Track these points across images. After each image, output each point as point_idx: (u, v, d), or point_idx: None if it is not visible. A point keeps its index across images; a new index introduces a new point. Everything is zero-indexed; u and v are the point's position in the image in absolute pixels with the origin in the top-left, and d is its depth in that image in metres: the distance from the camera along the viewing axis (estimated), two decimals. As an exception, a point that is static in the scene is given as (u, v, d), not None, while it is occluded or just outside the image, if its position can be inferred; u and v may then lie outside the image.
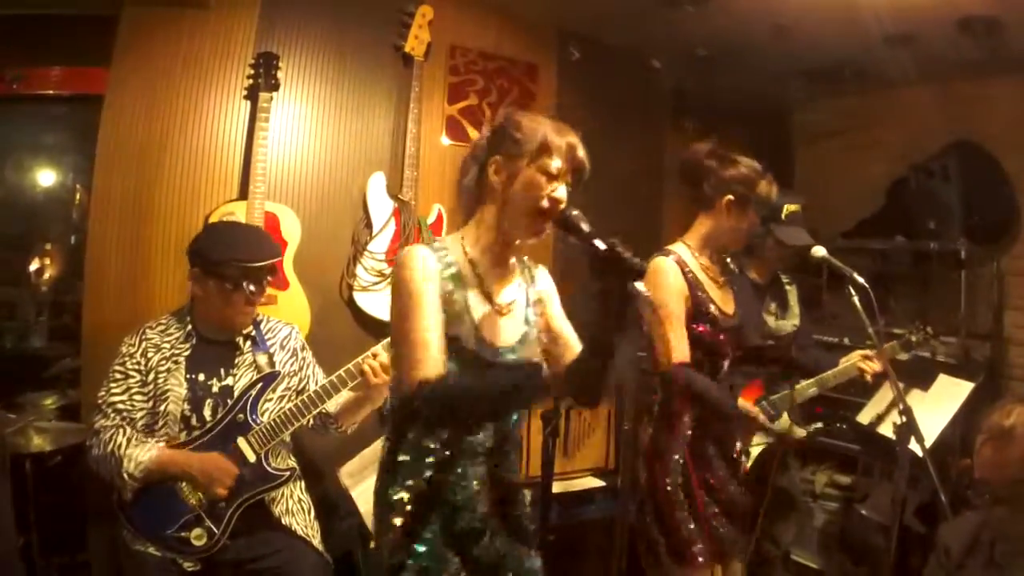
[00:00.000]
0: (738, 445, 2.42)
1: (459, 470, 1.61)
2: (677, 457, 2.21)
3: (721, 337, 2.27)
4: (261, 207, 2.83)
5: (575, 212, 1.55)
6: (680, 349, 2.18)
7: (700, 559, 2.16)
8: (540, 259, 1.89)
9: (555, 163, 1.60)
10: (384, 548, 1.61)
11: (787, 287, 3.10)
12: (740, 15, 3.53)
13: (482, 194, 1.68)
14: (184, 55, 2.94)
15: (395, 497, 1.60)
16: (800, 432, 2.98)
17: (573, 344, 1.76)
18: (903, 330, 3.09)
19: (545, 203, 1.58)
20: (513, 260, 1.75)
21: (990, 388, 3.85)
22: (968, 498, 3.10)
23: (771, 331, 2.98)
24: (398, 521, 1.59)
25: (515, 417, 1.71)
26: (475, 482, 1.62)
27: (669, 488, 2.18)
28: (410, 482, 1.60)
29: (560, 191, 1.60)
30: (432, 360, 1.51)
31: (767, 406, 2.68)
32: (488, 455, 1.64)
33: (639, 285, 1.39)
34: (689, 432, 2.23)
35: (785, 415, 2.83)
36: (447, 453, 1.60)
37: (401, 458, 1.63)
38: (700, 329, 2.24)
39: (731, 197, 2.25)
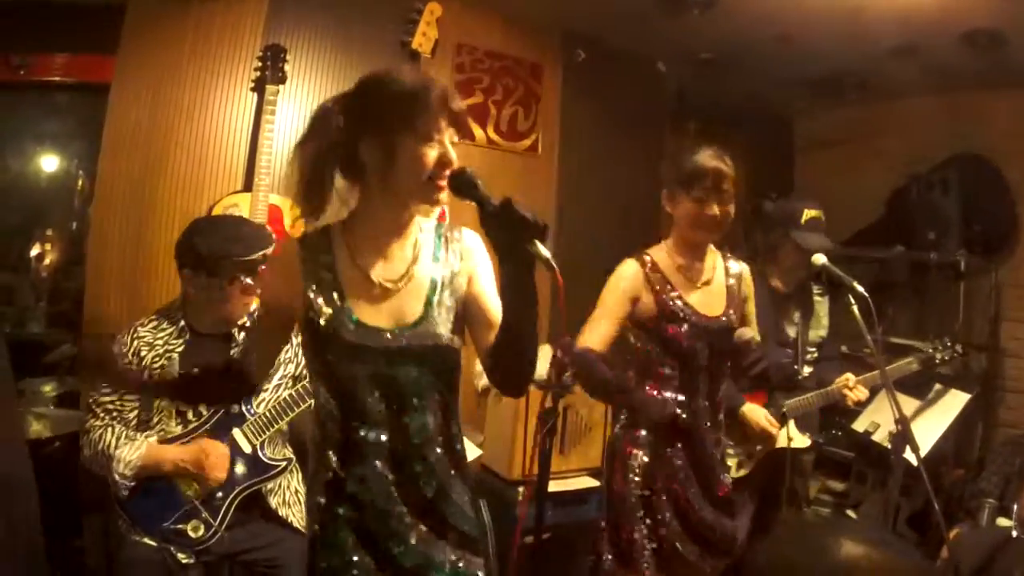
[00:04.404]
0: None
1: (358, 469, 1.45)
2: (636, 458, 2.11)
3: (695, 338, 2.12)
4: (265, 200, 2.84)
5: (469, 170, 1.39)
6: (592, 338, 2.08)
7: (646, 572, 2.02)
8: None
9: (433, 123, 1.40)
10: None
11: (817, 298, 3.06)
12: (745, 22, 3.55)
13: (354, 173, 1.48)
14: (191, 45, 2.95)
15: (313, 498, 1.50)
16: (805, 441, 2.97)
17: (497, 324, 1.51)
18: (925, 344, 3.06)
19: (436, 169, 1.40)
20: (418, 230, 1.55)
21: (986, 399, 3.88)
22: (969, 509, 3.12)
23: (787, 339, 2.94)
24: (315, 522, 1.48)
25: (413, 418, 1.46)
26: (375, 483, 1.45)
27: (625, 487, 2.09)
28: (320, 479, 1.48)
29: (448, 152, 1.41)
30: None
31: (773, 413, 2.67)
32: (391, 454, 1.46)
33: (540, 246, 1.28)
34: (652, 435, 2.11)
35: (792, 424, 2.83)
36: (343, 450, 1.46)
37: (314, 456, 1.52)
38: (670, 331, 2.12)
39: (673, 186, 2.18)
